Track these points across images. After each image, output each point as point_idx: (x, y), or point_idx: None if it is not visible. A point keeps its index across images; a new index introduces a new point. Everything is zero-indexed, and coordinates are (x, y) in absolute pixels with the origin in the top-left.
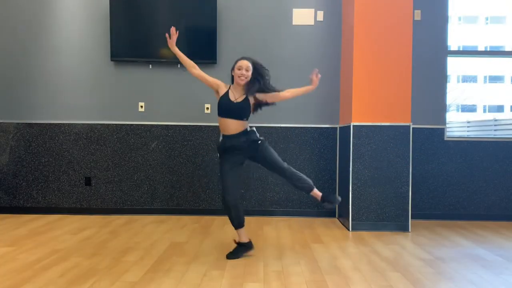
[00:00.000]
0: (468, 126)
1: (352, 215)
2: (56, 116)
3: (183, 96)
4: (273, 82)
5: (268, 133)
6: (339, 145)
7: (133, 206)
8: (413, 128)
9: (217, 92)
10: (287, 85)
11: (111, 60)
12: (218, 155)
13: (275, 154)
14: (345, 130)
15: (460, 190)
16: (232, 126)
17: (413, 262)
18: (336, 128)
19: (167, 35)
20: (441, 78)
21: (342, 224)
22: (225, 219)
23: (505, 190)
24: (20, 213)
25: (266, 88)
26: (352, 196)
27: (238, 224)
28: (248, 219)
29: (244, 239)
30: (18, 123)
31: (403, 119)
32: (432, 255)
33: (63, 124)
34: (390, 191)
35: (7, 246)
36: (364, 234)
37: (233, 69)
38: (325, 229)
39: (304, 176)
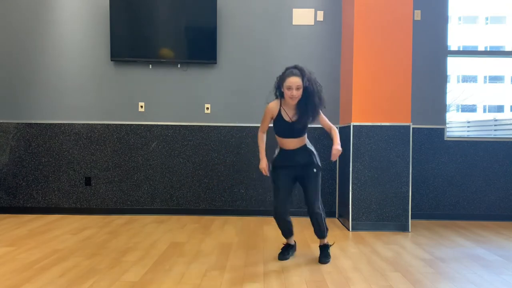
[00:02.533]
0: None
1: (352, 215)
2: (56, 116)
3: (183, 96)
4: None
5: (268, 133)
6: None
7: (133, 206)
8: (413, 128)
9: (272, 117)
10: None
11: (111, 60)
12: (271, 166)
13: (316, 191)
14: (345, 130)
15: (460, 190)
16: (292, 144)
17: (413, 262)
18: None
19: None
20: (441, 78)
21: (342, 224)
22: (225, 219)
23: (505, 190)
24: (20, 213)
25: (316, 111)
26: (352, 196)
27: (287, 234)
28: (248, 219)
29: (291, 242)
30: (18, 123)
31: (403, 119)
32: (432, 255)
33: (63, 124)
34: (390, 191)
35: (7, 246)
36: (364, 234)
37: (281, 83)
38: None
39: (324, 227)
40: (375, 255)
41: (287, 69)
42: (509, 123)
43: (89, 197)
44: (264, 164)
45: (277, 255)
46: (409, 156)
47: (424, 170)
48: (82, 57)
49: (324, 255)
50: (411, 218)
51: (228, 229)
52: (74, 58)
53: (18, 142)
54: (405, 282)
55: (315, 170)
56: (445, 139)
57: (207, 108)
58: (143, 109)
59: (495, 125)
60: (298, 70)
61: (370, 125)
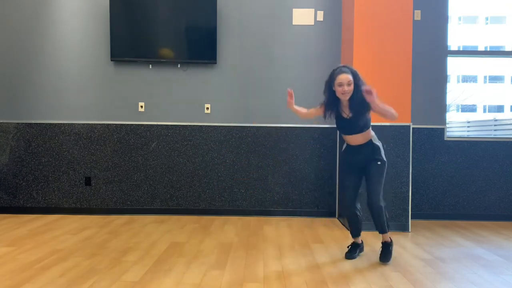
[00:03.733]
0: (468, 126)
1: None
2: (56, 116)
3: (183, 96)
4: (272, 82)
5: (268, 133)
6: (339, 145)
7: (133, 206)
8: (413, 128)
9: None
10: (286, 84)
11: (111, 60)
12: (340, 162)
13: (379, 185)
14: None
15: (460, 190)
16: (357, 140)
17: (413, 262)
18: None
19: (290, 93)
20: (441, 78)
21: (342, 224)
22: (225, 219)
23: (505, 190)
24: (20, 213)
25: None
26: None
27: (355, 232)
28: (248, 219)
29: (358, 241)
30: (18, 123)
31: (403, 119)
32: (432, 255)
33: (63, 124)
34: (390, 191)
35: (7, 246)
36: (364, 234)
37: (332, 82)
38: (325, 229)
39: (385, 223)
40: (375, 255)
41: (334, 69)
42: (509, 123)
43: (89, 197)
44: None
45: (275, 255)
46: (409, 156)
47: (424, 170)
48: (82, 57)
49: (384, 254)
50: (411, 218)
51: (228, 229)
52: (74, 58)
53: (18, 142)
54: (405, 282)
55: (379, 163)
56: (445, 139)
57: (207, 108)
58: (143, 109)
59: (495, 125)
60: (347, 68)
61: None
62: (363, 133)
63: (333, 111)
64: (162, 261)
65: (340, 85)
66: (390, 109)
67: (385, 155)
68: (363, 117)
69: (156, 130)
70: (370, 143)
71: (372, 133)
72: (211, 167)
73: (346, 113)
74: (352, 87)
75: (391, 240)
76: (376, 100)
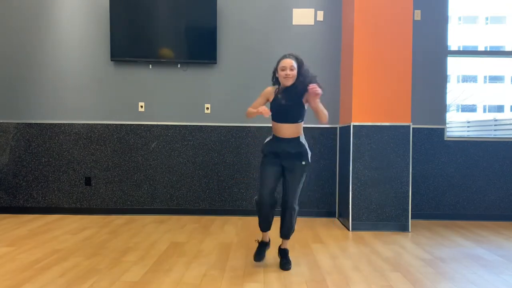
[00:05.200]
0: (468, 126)
1: (352, 215)
2: (56, 116)
3: (183, 96)
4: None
5: (268, 133)
6: (339, 145)
7: (133, 206)
8: (413, 128)
9: (268, 100)
10: None
11: (111, 60)
12: (262, 152)
13: (298, 185)
14: (345, 130)
15: (460, 190)
16: (287, 131)
17: (413, 262)
18: (336, 128)
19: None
20: (441, 78)
21: (342, 224)
22: (225, 219)
23: (505, 190)
24: (20, 213)
25: (305, 88)
26: (352, 196)
27: (265, 226)
28: (248, 219)
29: (266, 239)
30: (18, 123)
31: (403, 119)
32: (432, 255)
33: (63, 124)
34: (390, 191)
35: (7, 246)
36: (364, 234)
37: (276, 70)
38: (325, 229)
39: (293, 228)
40: (375, 255)
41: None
42: (509, 123)
43: (89, 197)
44: (261, 108)
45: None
46: (409, 156)
47: (424, 170)
48: (82, 57)
49: (286, 261)
50: (411, 218)
51: (228, 229)
52: (74, 58)
53: (18, 142)
54: (405, 282)
55: (303, 162)
56: (445, 139)
57: (207, 108)
58: (143, 109)
59: (495, 125)
60: (292, 55)
61: (370, 125)
62: (296, 125)
63: (273, 94)
64: (162, 261)
65: (283, 69)
66: (325, 112)
67: (310, 157)
68: (298, 107)
69: (156, 130)
70: (298, 139)
71: (302, 133)
72: (211, 167)
73: (285, 99)
74: (295, 72)
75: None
76: (318, 100)
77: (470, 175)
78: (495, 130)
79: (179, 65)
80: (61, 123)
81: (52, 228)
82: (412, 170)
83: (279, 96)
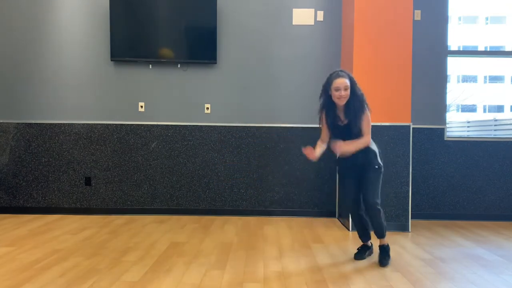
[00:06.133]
0: (468, 126)
1: None
2: (56, 116)
3: (183, 96)
4: (272, 82)
5: (268, 133)
6: None
7: (133, 206)
8: (413, 128)
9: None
10: (286, 84)
11: (111, 60)
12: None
13: (376, 185)
14: None
15: (460, 190)
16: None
17: (413, 262)
18: None
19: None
20: (441, 78)
21: (342, 224)
22: (225, 219)
23: (505, 190)
24: (20, 213)
25: (361, 110)
26: None
27: (361, 234)
28: (248, 219)
29: (368, 244)
30: (18, 123)
31: (403, 119)
32: (432, 255)
33: (63, 124)
34: (390, 191)
35: (7, 246)
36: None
37: (329, 86)
38: (325, 229)
39: (383, 224)
40: (375, 255)
41: (331, 73)
42: (509, 123)
43: (89, 197)
44: (310, 151)
45: (275, 255)
46: (409, 156)
47: (424, 170)
48: (82, 57)
49: (383, 256)
50: (411, 218)
51: (228, 229)
52: (74, 58)
53: (18, 142)
54: (405, 282)
55: (376, 167)
56: (445, 139)
57: (207, 108)
58: (143, 109)
59: (495, 125)
60: (344, 73)
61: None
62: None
63: (329, 117)
64: (162, 261)
65: (337, 89)
66: (361, 143)
67: (381, 159)
68: (358, 123)
69: (156, 130)
70: (366, 148)
71: (373, 142)
72: (211, 167)
73: (342, 119)
74: (348, 92)
75: (387, 244)
76: (345, 146)
77: (470, 175)
78: (495, 130)
79: (179, 65)
80: (61, 123)
81: (52, 228)
82: (412, 170)
83: (335, 117)
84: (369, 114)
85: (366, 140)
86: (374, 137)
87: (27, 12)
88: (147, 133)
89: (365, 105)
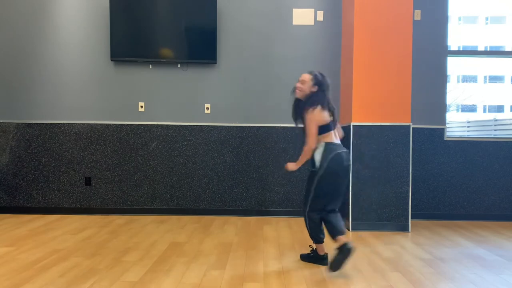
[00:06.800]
0: (468, 126)
1: (352, 215)
2: (56, 116)
3: (183, 96)
4: (272, 82)
5: (268, 133)
6: None
7: (133, 206)
8: (413, 128)
9: None
10: (286, 84)
11: (111, 60)
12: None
13: (308, 189)
14: (345, 130)
15: (460, 190)
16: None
17: (413, 262)
18: None
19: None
20: (441, 78)
21: None
22: (225, 219)
23: (505, 190)
24: (20, 213)
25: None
26: (352, 196)
27: (315, 239)
28: (248, 219)
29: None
30: (18, 123)
31: (403, 119)
32: (432, 255)
33: (63, 124)
34: (390, 191)
35: (7, 246)
36: (364, 234)
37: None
38: (325, 229)
39: (310, 232)
40: (375, 255)
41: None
42: (509, 123)
43: (89, 197)
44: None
45: (275, 255)
46: (409, 156)
47: (424, 170)
48: (82, 57)
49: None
50: (411, 218)
51: (228, 229)
52: (74, 58)
53: (18, 142)
54: (405, 282)
55: (311, 169)
56: (445, 139)
57: (207, 108)
58: (143, 109)
59: (495, 125)
60: (314, 71)
61: (370, 125)
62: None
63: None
64: (162, 261)
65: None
66: (304, 157)
67: (323, 161)
68: (301, 123)
69: (156, 130)
70: (315, 149)
71: (321, 142)
72: (211, 167)
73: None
74: (305, 86)
75: (315, 249)
76: (291, 166)
77: (470, 175)
78: (495, 130)
79: (179, 65)
80: (61, 123)
81: (52, 228)
82: (412, 170)
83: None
84: (316, 113)
85: (307, 148)
86: (374, 137)
87: (27, 12)
88: (147, 133)
89: (315, 104)
